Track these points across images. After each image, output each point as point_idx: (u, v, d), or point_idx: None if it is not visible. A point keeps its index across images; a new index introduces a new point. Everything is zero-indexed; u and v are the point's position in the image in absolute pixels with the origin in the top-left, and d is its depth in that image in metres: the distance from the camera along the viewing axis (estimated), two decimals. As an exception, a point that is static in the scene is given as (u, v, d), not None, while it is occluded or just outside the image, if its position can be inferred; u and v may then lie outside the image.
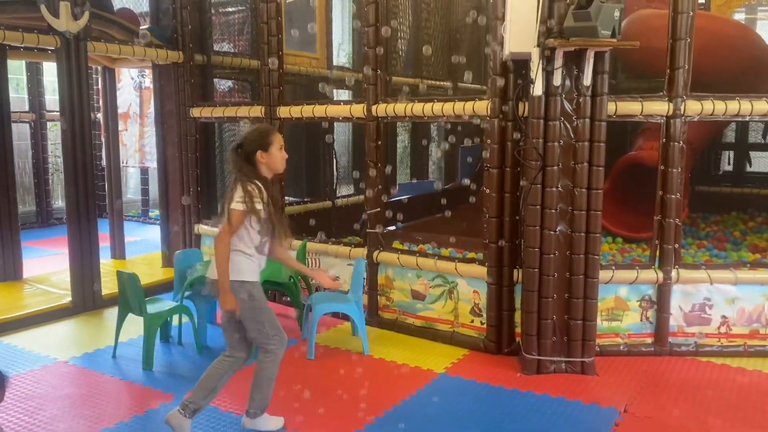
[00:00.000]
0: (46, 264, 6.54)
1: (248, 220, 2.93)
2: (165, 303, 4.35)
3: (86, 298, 5.14)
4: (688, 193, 5.78)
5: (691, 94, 3.96)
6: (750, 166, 7.91)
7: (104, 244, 5.97)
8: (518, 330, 4.17)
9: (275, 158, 2.98)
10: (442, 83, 7.95)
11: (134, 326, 4.28)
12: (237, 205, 2.90)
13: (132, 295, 4.10)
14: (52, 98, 8.60)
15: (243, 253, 2.97)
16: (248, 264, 2.99)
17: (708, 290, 4.14)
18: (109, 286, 5.27)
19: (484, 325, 4.32)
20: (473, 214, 5.09)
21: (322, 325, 4.56)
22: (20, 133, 8.72)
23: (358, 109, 4.75)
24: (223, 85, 6.83)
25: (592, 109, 3.69)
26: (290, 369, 3.97)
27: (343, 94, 8.17)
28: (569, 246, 3.83)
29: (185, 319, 4.41)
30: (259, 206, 2.91)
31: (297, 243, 5.02)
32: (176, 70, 5.80)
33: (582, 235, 3.80)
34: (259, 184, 2.93)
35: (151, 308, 4.13)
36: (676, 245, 4.10)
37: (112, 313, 4.55)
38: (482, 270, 4.26)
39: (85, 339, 4.60)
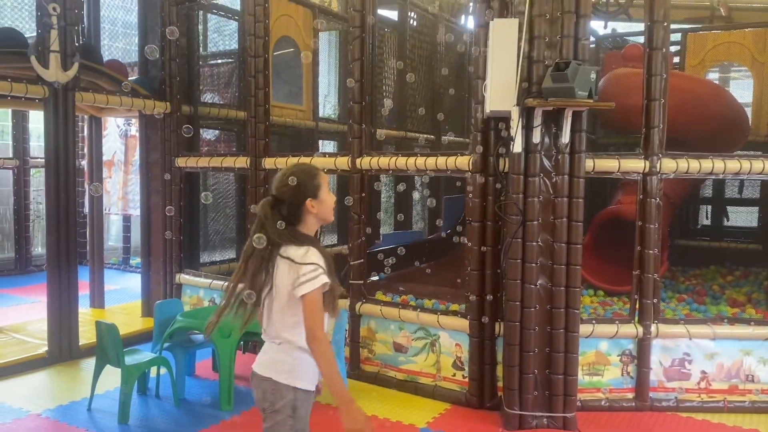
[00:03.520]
0: (23, 312, 6.43)
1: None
2: (143, 354, 4.29)
3: (63, 349, 5.05)
4: (668, 246, 5.88)
5: (667, 153, 4.07)
6: (727, 221, 8.07)
7: (83, 292, 5.90)
8: (500, 384, 4.16)
9: (327, 205, 2.30)
10: (426, 136, 8.08)
11: (111, 378, 4.20)
12: (312, 284, 2.16)
13: (110, 347, 4.05)
14: (36, 145, 8.61)
15: (298, 346, 2.23)
16: (305, 361, 2.24)
17: (687, 345, 4.17)
18: (86, 335, 5.19)
19: (466, 379, 4.30)
20: (457, 264, 5.12)
21: (303, 377, 4.51)
22: (2, 180, 8.70)
23: (343, 162, 4.81)
24: (209, 134, 6.91)
25: (571, 166, 3.78)
26: (269, 423, 3.90)
27: (329, 145, 8.28)
28: (550, 300, 3.87)
29: (163, 370, 4.34)
30: (327, 278, 2.21)
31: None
32: (163, 119, 5.85)
33: (562, 290, 3.84)
34: (320, 247, 2.27)
35: (129, 359, 4.07)
36: (655, 300, 4.15)
37: (89, 363, 4.47)
38: (464, 323, 4.26)
39: (60, 391, 4.50)
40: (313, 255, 2.20)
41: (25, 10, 5.58)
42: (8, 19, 5.84)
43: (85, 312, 5.98)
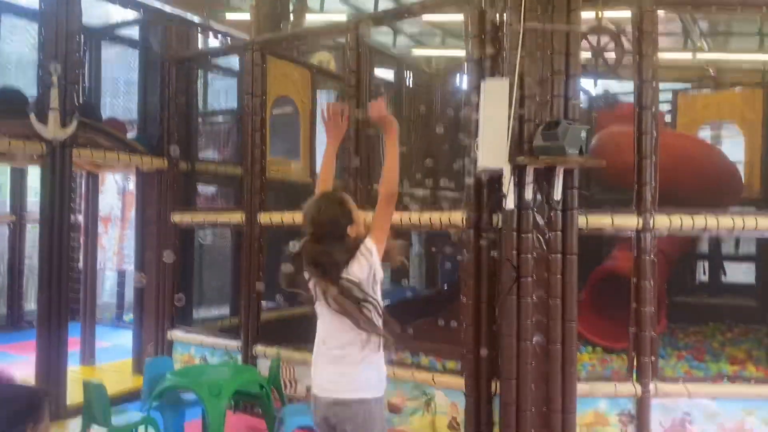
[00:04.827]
0: (13, 369, 6.30)
1: (376, 293, 2.45)
2: (131, 414, 4.20)
3: (50, 408, 4.90)
4: (666, 303, 5.83)
5: (660, 209, 4.08)
6: (725, 276, 8.04)
7: (74, 349, 5.81)
8: (497, 446, 4.05)
9: (360, 224, 2.50)
10: (422, 191, 8.12)
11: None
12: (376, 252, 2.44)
13: (97, 406, 3.95)
14: (33, 200, 8.64)
15: (377, 349, 2.45)
16: (383, 363, 2.51)
17: (687, 405, 4.08)
18: (75, 395, 5.06)
19: (463, 440, 4.19)
20: (455, 320, 5.08)
21: (295, 438, 4.40)
22: (-1, 235, 8.68)
23: (338, 217, 4.81)
24: (206, 190, 6.95)
25: (564, 222, 3.79)
26: (259, 487, 3.79)
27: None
28: (546, 357, 3.81)
29: (152, 431, 4.23)
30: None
31: (271, 351, 4.93)
32: (159, 176, 5.89)
33: (558, 347, 3.79)
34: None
35: (116, 420, 3.97)
36: (653, 358, 4.08)
37: (77, 423, 4.35)
38: (460, 381, 4.18)
39: (44, 453, 4.37)
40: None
41: (27, 69, 5.69)
42: (12, 79, 5.95)
43: (74, 370, 5.87)
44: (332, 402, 2.42)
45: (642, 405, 4.04)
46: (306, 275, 2.50)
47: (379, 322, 2.44)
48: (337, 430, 2.43)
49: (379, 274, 2.45)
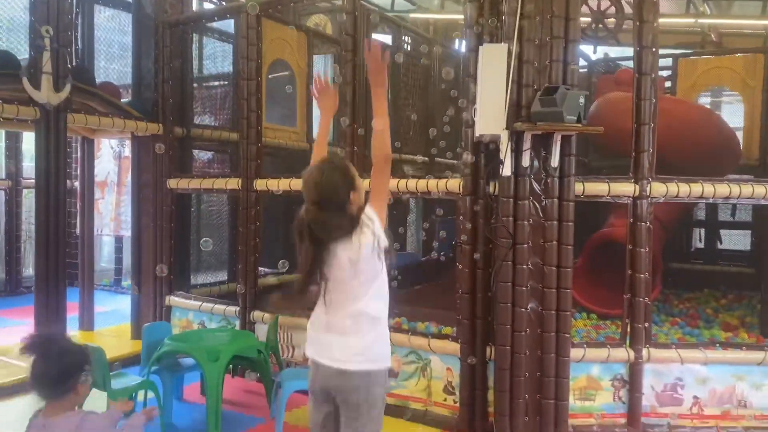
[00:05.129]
0: (12, 335, 6.35)
1: (381, 262, 2.33)
2: (130, 378, 4.24)
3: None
4: (661, 270, 5.87)
5: (657, 177, 4.07)
6: (721, 244, 8.07)
7: (73, 314, 5.83)
8: (491, 410, 4.11)
9: (362, 191, 2.39)
10: (419, 158, 8.10)
11: (98, 402, 4.13)
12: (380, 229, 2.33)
13: (97, 370, 3.98)
14: (29, 165, 8.59)
15: (381, 319, 2.37)
16: (387, 333, 2.40)
17: (679, 370, 4.13)
18: (74, 359, 5.12)
19: (457, 404, 4.25)
20: (450, 286, 5.11)
21: (292, 403, 4.46)
22: (-6, 200, 8.66)
23: (334, 184, 4.80)
24: (203, 155, 6.91)
25: (560, 189, 3.78)
26: (257, 449, 3.85)
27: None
28: (540, 324, 3.85)
29: (151, 394, 4.28)
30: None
31: (268, 317, 4.97)
32: (155, 141, 5.85)
33: (553, 313, 3.83)
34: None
35: (116, 384, 4.02)
36: (646, 324, 4.12)
37: (76, 387, 4.40)
38: (455, 347, 4.23)
39: (45, 415, 4.43)
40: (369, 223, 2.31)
41: (20, 32, 5.60)
42: (3, 42, 5.86)
43: (74, 335, 5.92)
44: (336, 372, 2.32)
45: (635, 370, 4.10)
46: (302, 250, 2.34)
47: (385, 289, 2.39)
48: (336, 400, 2.35)
49: (383, 241, 2.32)
